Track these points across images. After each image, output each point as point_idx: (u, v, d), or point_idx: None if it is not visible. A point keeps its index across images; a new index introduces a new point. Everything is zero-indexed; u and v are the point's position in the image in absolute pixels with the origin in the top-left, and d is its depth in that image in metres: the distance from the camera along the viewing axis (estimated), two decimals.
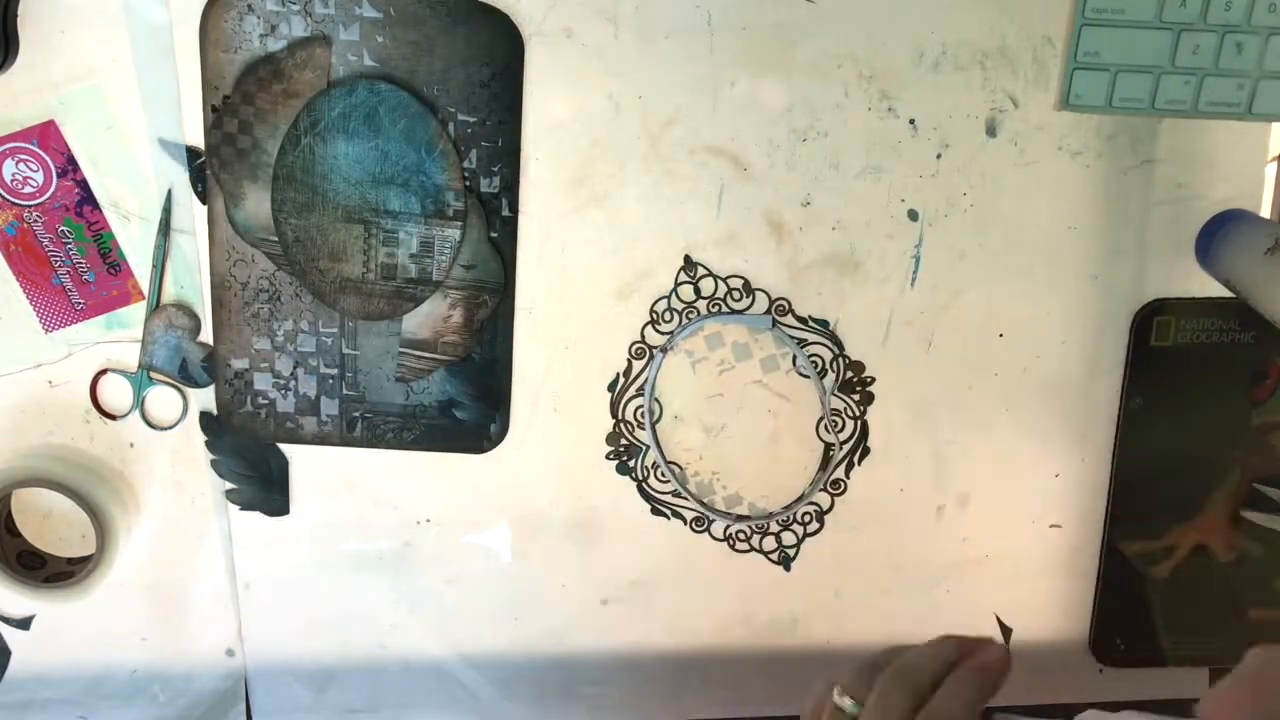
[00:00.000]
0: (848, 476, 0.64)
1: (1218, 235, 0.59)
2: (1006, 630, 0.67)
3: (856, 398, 0.62)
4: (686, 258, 0.60)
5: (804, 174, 0.59)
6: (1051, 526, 0.65)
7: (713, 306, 0.61)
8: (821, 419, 0.63)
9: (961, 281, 0.61)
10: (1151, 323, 0.62)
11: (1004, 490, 0.64)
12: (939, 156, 0.59)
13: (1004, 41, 0.58)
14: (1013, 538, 0.65)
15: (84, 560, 0.60)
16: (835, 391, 0.62)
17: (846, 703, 0.48)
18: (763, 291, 0.61)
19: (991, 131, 0.59)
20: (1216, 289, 0.61)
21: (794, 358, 0.62)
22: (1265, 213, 0.61)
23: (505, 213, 0.58)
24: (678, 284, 0.60)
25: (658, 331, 0.61)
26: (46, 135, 0.56)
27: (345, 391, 0.60)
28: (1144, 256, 0.62)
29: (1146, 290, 0.62)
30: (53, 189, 0.57)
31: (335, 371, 0.60)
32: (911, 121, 0.59)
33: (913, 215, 0.60)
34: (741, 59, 0.57)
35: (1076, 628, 0.67)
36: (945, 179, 0.60)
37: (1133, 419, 0.63)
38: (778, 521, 0.64)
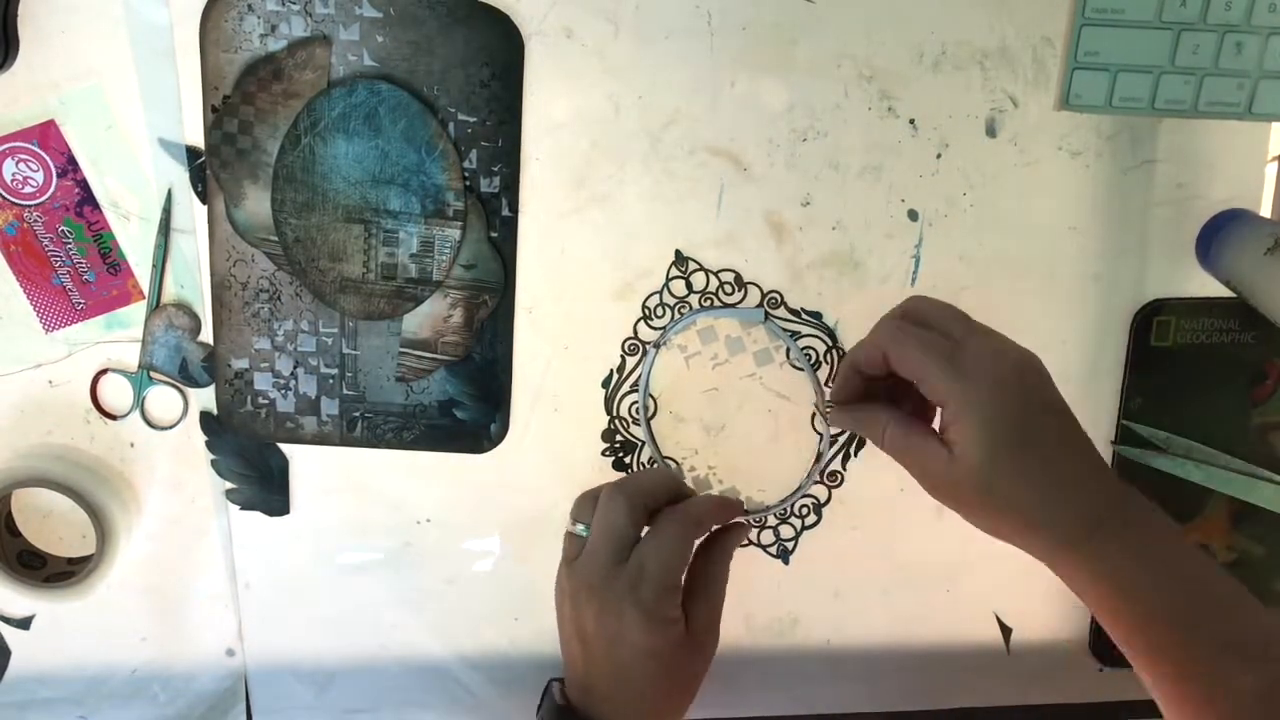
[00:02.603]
0: (844, 469, 0.64)
1: (1218, 235, 0.59)
2: (1006, 630, 0.67)
3: None
4: (677, 252, 0.60)
5: (804, 174, 0.59)
6: None
7: (705, 301, 0.61)
8: (816, 411, 0.63)
9: (961, 281, 0.61)
10: (1151, 323, 0.62)
11: None
12: (939, 156, 0.59)
13: (1004, 41, 0.58)
14: None
15: (84, 560, 0.60)
16: (829, 383, 0.62)
17: (579, 528, 0.52)
18: (755, 285, 0.61)
19: (991, 131, 0.59)
20: (1216, 289, 0.61)
21: (787, 350, 0.62)
22: (1265, 213, 0.61)
23: (505, 213, 0.58)
24: (669, 279, 0.60)
25: (650, 327, 0.61)
26: (46, 135, 0.56)
27: (345, 391, 0.60)
28: (1144, 256, 0.62)
29: (1146, 290, 0.62)
30: (53, 189, 0.57)
31: (335, 371, 0.60)
32: (911, 121, 0.59)
33: (913, 215, 0.60)
34: (741, 59, 0.57)
35: (1076, 628, 0.67)
36: (945, 179, 0.60)
37: (1133, 419, 0.63)
38: (775, 515, 0.64)
